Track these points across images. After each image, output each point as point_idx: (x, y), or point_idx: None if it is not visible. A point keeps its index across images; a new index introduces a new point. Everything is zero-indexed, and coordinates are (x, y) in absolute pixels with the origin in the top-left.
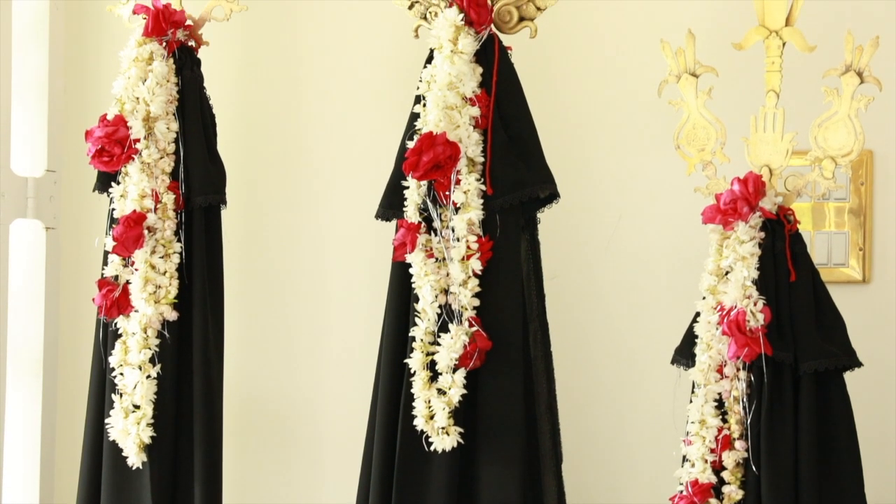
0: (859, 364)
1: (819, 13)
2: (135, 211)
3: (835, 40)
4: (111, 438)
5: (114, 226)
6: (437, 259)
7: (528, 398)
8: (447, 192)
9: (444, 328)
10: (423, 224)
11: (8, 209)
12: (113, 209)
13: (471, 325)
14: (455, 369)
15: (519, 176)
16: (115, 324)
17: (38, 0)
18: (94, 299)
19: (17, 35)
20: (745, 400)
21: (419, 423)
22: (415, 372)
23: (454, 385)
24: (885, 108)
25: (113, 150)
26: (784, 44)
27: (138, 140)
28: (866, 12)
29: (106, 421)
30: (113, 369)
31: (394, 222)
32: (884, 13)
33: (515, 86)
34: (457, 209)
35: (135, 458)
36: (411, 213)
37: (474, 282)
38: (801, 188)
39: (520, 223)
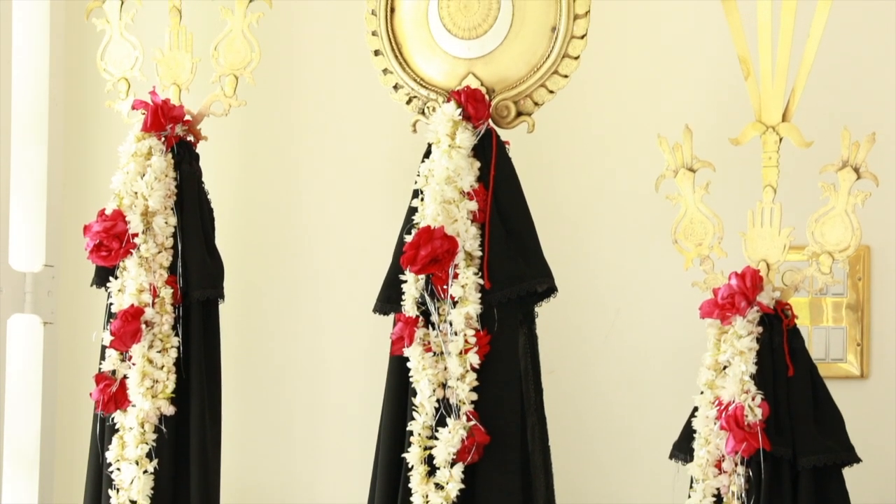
0: (858, 460)
1: (816, 108)
2: (132, 305)
3: (832, 135)
4: None
5: (111, 320)
6: (434, 353)
7: (526, 493)
8: (445, 286)
9: (441, 422)
10: (421, 318)
11: (6, 304)
12: (111, 304)
13: (469, 420)
14: (453, 464)
15: (517, 270)
16: (112, 418)
17: (37, 93)
18: (91, 394)
19: (17, 129)
20: (743, 495)
21: None
22: (412, 466)
23: (452, 479)
24: (882, 204)
25: (111, 244)
26: (781, 139)
27: (136, 235)
28: (863, 108)
29: None
30: (110, 464)
31: (392, 316)
32: (880, 108)
33: (513, 180)
34: (455, 303)
35: None
36: (409, 307)
37: (472, 376)
38: (799, 283)
39: (518, 317)
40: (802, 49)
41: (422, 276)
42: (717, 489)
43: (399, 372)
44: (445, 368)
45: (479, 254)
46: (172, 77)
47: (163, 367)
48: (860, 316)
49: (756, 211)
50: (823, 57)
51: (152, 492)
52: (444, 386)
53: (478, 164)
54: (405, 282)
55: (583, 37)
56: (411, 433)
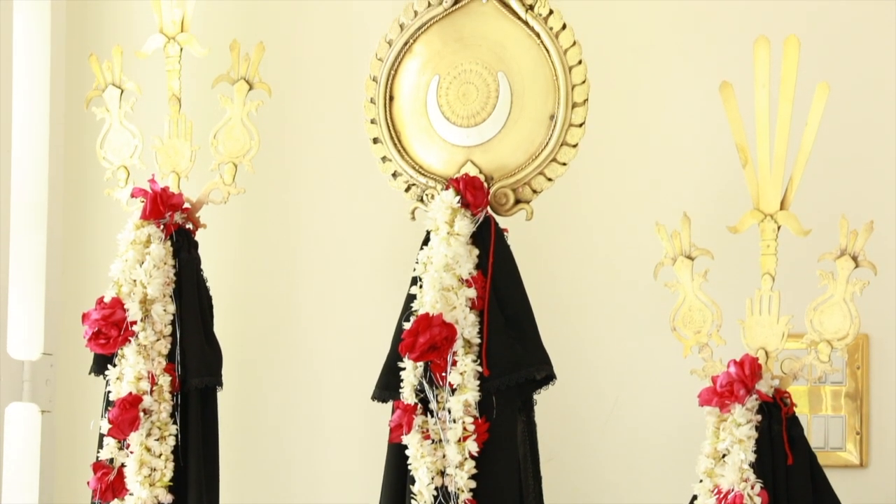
0: None
1: (814, 196)
2: (131, 393)
3: (830, 223)
4: None
5: (109, 408)
6: (433, 440)
7: None
8: (443, 374)
9: None
10: (420, 405)
11: (3, 392)
12: (109, 391)
13: None
14: None
15: (515, 357)
16: None
17: (36, 180)
18: (88, 482)
19: (17, 216)
20: None
21: None
22: None
23: None
24: (880, 292)
25: (109, 332)
26: (779, 227)
27: (135, 322)
28: (861, 196)
29: None
30: None
31: (390, 403)
32: (879, 197)
33: (512, 267)
34: (453, 390)
35: None
36: (408, 395)
37: (471, 464)
38: (798, 371)
39: (516, 404)
40: (800, 137)
41: (420, 364)
42: None
43: (397, 459)
44: (444, 456)
45: (478, 341)
46: (172, 165)
47: (161, 455)
48: (859, 405)
49: (754, 299)
50: (821, 145)
51: None
52: (442, 474)
53: (476, 252)
54: (404, 369)
55: (581, 125)
56: None
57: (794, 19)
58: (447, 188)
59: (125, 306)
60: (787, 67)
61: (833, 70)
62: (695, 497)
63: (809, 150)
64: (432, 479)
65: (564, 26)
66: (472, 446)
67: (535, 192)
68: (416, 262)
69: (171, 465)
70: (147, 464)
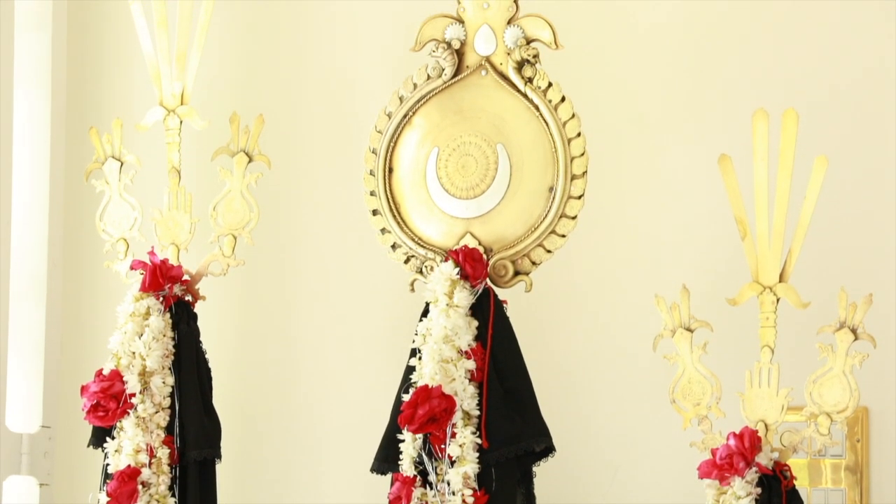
0: None
1: (813, 269)
2: (129, 466)
3: (829, 295)
4: None
5: (108, 481)
6: None
7: None
8: (442, 446)
9: None
10: (419, 477)
11: (2, 466)
12: (107, 464)
13: None
14: None
15: (515, 429)
16: None
17: (36, 252)
18: None
19: (16, 288)
20: None
21: None
22: None
23: None
24: (880, 365)
25: (108, 405)
26: (778, 300)
27: (134, 395)
28: (860, 269)
29: None
30: None
31: (389, 475)
32: (878, 269)
33: (511, 339)
34: (452, 462)
35: None
36: (406, 467)
37: None
38: (797, 444)
39: (516, 476)
40: (799, 210)
41: (419, 436)
42: None
43: None
44: None
45: (477, 413)
46: (171, 237)
47: None
48: (859, 478)
49: (754, 371)
50: (820, 218)
51: None
52: None
53: (476, 323)
54: (403, 441)
55: (580, 197)
56: None
57: (792, 92)
58: (446, 260)
59: (124, 379)
60: (785, 140)
61: (832, 143)
62: None
63: (808, 223)
64: None
65: (563, 99)
66: None
67: (534, 263)
68: (416, 334)
69: None
70: None
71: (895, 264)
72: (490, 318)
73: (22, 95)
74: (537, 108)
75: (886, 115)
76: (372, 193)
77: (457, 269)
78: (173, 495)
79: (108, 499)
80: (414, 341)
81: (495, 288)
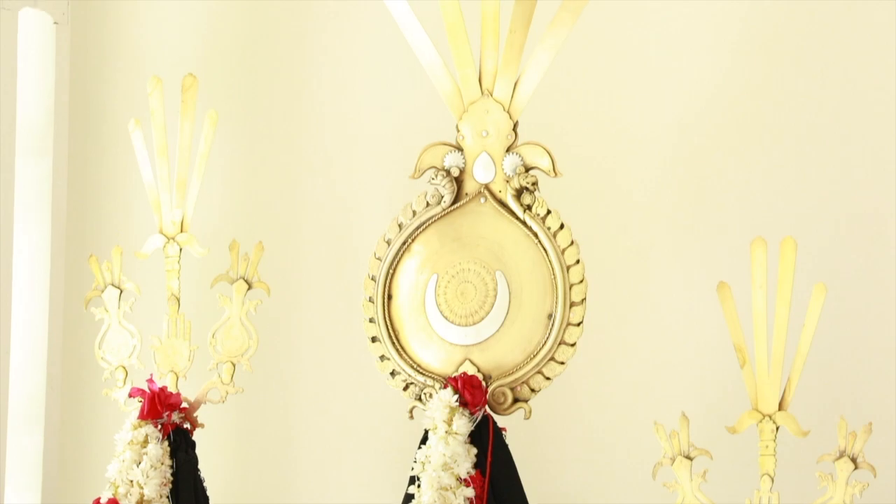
0: None
1: (813, 397)
2: None
3: (829, 423)
4: None
5: None
6: None
7: None
8: None
9: None
10: None
11: None
12: None
13: None
14: None
15: None
16: None
17: (34, 380)
18: None
19: (14, 416)
20: None
21: None
22: None
23: None
24: (880, 495)
25: None
26: (778, 428)
27: None
28: (860, 397)
29: None
30: None
31: None
32: (877, 397)
33: (510, 466)
34: None
35: None
36: None
37: None
38: None
39: None
40: (798, 337)
41: None
42: None
43: None
44: None
45: None
46: (170, 364)
47: None
48: None
49: (754, 500)
50: (819, 345)
51: None
52: None
53: (475, 451)
54: None
55: (579, 324)
56: None
57: (790, 220)
58: (445, 387)
59: None
60: (783, 268)
61: (830, 271)
62: None
63: (807, 351)
64: None
65: (562, 226)
66: None
67: (533, 390)
68: (414, 462)
69: None
70: None
71: (894, 393)
72: (489, 445)
73: (22, 222)
74: (536, 235)
75: (885, 244)
76: (371, 320)
77: (456, 396)
78: None
79: None
80: (413, 469)
81: (494, 415)
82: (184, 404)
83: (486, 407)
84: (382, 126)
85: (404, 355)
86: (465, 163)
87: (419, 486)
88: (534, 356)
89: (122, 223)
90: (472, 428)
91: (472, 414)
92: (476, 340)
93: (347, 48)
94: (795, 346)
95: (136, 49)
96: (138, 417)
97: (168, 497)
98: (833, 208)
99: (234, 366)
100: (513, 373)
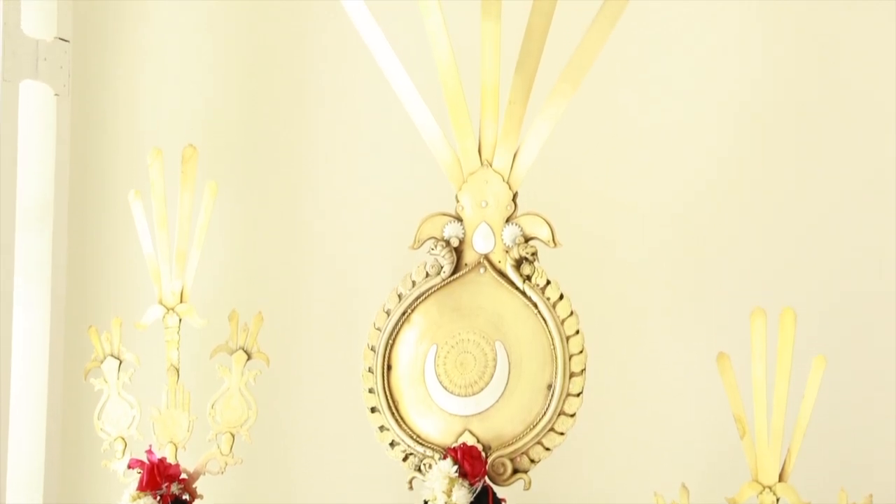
0: None
1: (813, 467)
2: None
3: (830, 495)
4: None
5: None
6: None
7: None
8: None
9: None
10: None
11: None
12: None
13: None
14: None
15: None
16: None
17: (32, 455)
18: None
19: (13, 490)
20: None
21: None
22: None
23: None
24: None
25: None
26: (778, 499)
27: None
28: (861, 467)
29: None
30: None
31: None
32: (879, 469)
33: None
34: None
35: None
36: None
37: None
38: None
39: None
40: (798, 408)
41: None
42: None
43: None
44: None
45: None
46: (169, 435)
47: None
48: None
49: None
50: (819, 416)
51: None
52: None
53: None
54: None
55: (579, 394)
56: None
57: (790, 291)
58: (445, 457)
59: None
60: (783, 339)
61: (829, 341)
62: None
63: (807, 423)
64: None
65: (561, 297)
66: None
67: (532, 461)
68: None
69: None
70: None
71: (895, 464)
72: None
73: (22, 293)
74: (536, 305)
75: (884, 316)
76: (370, 391)
77: (455, 467)
78: None
79: None
80: None
81: (494, 486)
82: (183, 475)
83: (486, 478)
84: (382, 197)
85: (404, 426)
86: (464, 233)
87: None
88: (533, 427)
89: (121, 294)
90: (472, 499)
91: (471, 485)
92: (476, 411)
93: (347, 119)
94: (795, 417)
95: (136, 120)
96: (137, 489)
97: None
98: (833, 279)
99: (233, 436)
100: (512, 443)
